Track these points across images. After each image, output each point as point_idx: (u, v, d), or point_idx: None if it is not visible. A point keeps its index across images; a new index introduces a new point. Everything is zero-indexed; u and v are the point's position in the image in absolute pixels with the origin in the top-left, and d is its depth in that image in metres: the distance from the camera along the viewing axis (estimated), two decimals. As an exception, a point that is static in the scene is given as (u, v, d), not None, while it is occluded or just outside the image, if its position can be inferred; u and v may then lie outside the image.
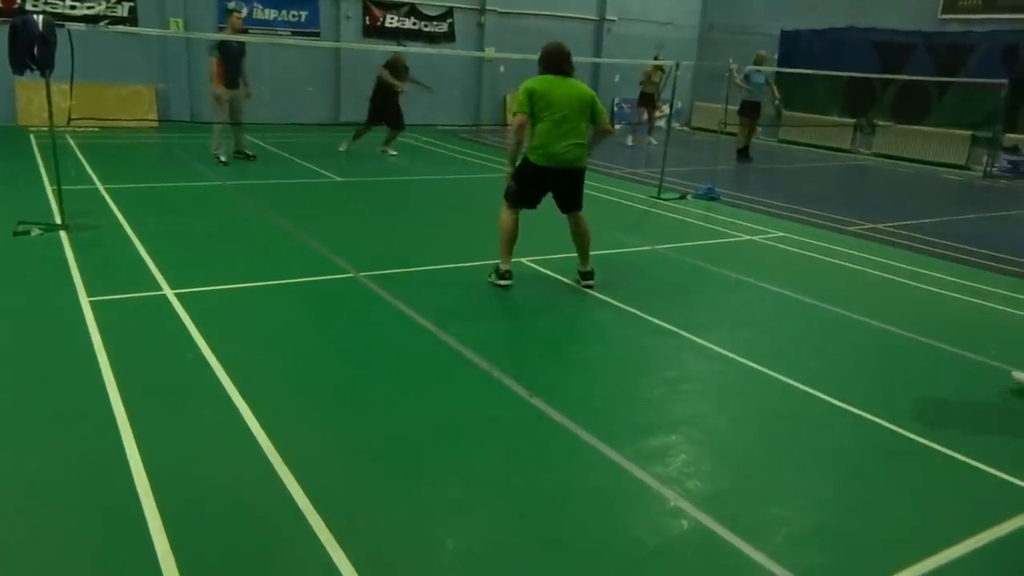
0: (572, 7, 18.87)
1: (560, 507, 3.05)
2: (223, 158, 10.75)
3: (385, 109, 12.32)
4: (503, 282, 5.79)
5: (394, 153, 12.73)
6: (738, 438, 3.80)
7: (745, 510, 3.10)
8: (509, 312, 5.50)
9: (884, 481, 3.44)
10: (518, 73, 17.52)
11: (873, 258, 7.49)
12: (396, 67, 12.35)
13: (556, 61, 5.73)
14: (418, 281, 5.94)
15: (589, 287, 5.86)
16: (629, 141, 16.03)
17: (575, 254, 5.97)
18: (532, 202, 5.87)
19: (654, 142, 16.01)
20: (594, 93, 5.81)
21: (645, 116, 16.41)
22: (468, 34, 17.78)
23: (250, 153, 11.33)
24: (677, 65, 10.47)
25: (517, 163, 5.75)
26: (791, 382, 4.39)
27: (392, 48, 14.01)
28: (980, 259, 7.71)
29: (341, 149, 12.64)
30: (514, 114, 5.67)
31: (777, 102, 15.01)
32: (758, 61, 14.04)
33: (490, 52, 16.19)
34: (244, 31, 11.60)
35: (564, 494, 3.15)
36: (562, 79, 5.67)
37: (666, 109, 15.64)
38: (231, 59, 10.33)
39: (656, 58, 15.95)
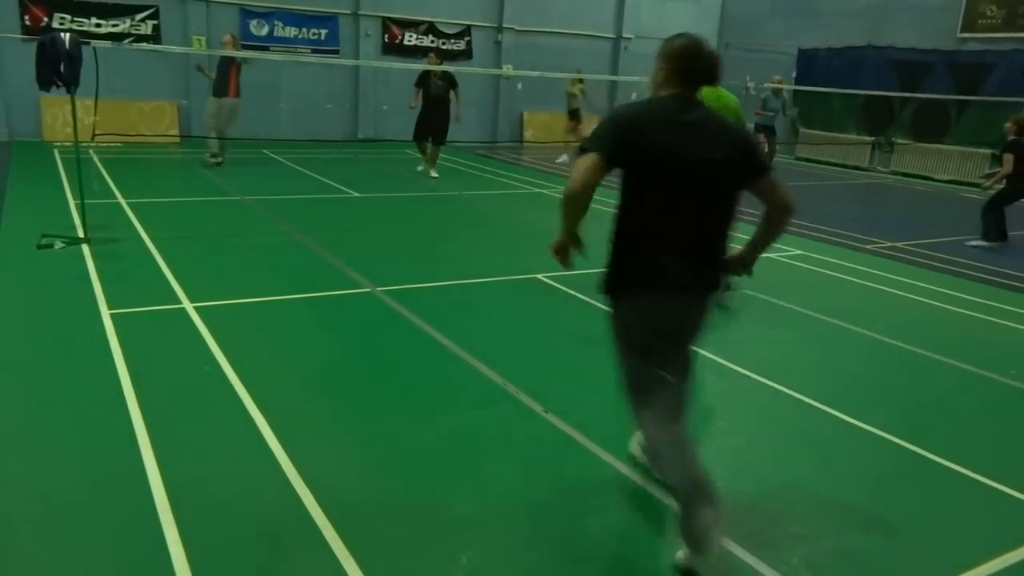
0: (589, 25, 19.00)
1: (575, 522, 3.04)
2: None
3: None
4: None
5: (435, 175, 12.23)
6: (755, 456, 3.77)
7: (763, 529, 3.07)
8: (524, 327, 5.51)
9: (904, 501, 3.40)
10: (535, 90, 17.67)
11: (891, 276, 7.44)
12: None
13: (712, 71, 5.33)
14: (434, 296, 5.96)
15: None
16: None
17: (589, 270, 5.96)
18: None
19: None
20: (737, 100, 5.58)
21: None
22: (485, 52, 17.93)
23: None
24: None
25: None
26: (809, 400, 4.36)
27: (415, 65, 13.78)
28: (1000, 278, 7.63)
29: (435, 175, 12.15)
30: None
31: (789, 114, 15.74)
32: (776, 89, 14.24)
33: (507, 70, 16.30)
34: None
35: (579, 509, 3.14)
36: (714, 90, 5.27)
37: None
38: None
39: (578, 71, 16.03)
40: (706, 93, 4.98)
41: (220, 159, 12.00)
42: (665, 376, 2.79)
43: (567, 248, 2.85)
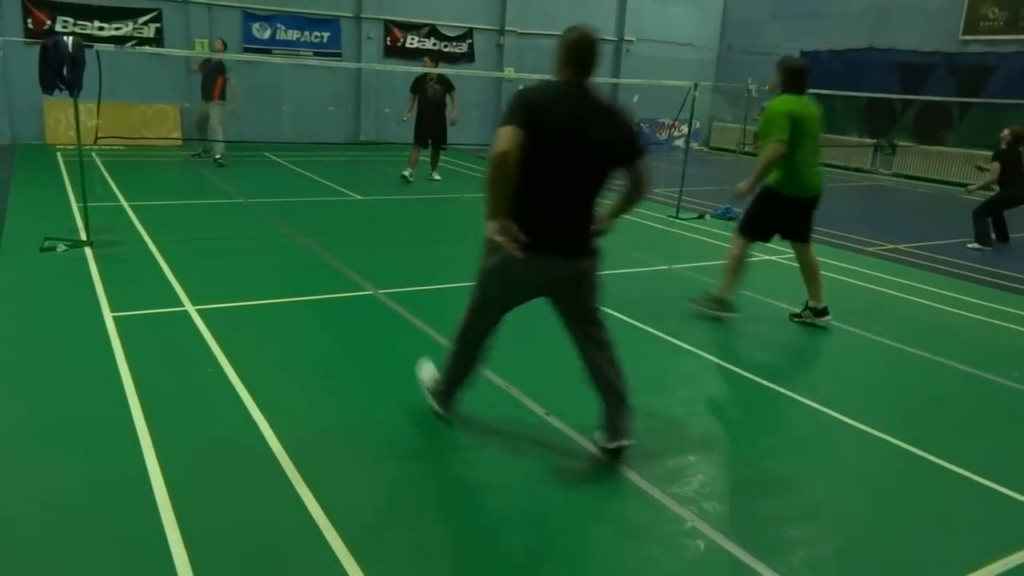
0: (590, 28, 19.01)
1: (576, 526, 3.05)
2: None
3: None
4: (730, 315, 5.64)
5: (437, 177, 12.13)
6: (755, 459, 3.77)
7: (763, 531, 3.07)
8: (525, 331, 5.50)
9: (905, 504, 3.40)
10: (537, 93, 17.69)
11: (893, 279, 7.44)
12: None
13: (803, 78, 5.28)
14: (435, 299, 5.97)
15: (818, 324, 5.66)
16: None
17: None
18: (768, 236, 5.62)
19: None
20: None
21: None
22: (488, 54, 17.96)
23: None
24: (696, 86, 10.51)
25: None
26: (810, 403, 4.36)
27: (417, 68, 13.64)
28: (1002, 280, 7.63)
29: (437, 178, 12.05)
30: (775, 141, 5.13)
31: None
32: (772, 87, 14.27)
33: (509, 72, 16.33)
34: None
35: (580, 513, 3.14)
36: (808, 100, 5.31)
37: (684, 129, 15.58)
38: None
39: None
40: (800, 103, 5.10)
41: (203, 154, 12.96)
42: (501, 316, 3.50)
43: (507, 226, 3.11)
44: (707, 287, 6.74)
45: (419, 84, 11.58)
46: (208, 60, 12.37)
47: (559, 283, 3.36)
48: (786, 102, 5.22)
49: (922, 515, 3.32)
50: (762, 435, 4.03)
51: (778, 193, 5.38)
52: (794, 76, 5.28)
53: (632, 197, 3.38)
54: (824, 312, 5.68)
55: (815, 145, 5.29)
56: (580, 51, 3.19)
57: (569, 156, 3.12)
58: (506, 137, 2.95)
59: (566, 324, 3.51)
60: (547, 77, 12.33)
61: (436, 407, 3.83)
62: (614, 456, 3.49)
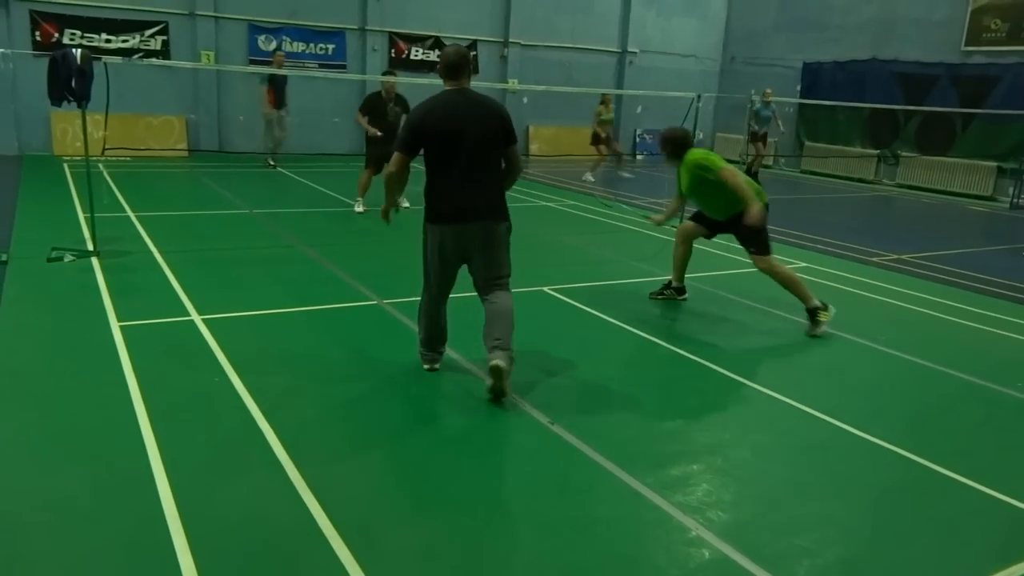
0: (594, 39, 19.11)
1: (581, 534, 3.05)
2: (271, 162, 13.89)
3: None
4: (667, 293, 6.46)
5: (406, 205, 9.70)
6: (761, 468, 3.77)
7: (767, 541, 3.08)
8: (529, 339, 5.52)
9: (910, 514, 3.40)
10: (541, 105, 17.77)
11: (898, 289, 7.44)
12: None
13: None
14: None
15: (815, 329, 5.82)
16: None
17: (593, 283, 5.97)
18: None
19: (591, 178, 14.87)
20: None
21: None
22: (491, 66, 18.04)
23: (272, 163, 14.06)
24: (699, 97, 10.55)
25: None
26: (815, 412, 4.36)
27: (422, 80, 13.26)
28: (1006, 291, 7.62)
29: (407, 204, 9.58)
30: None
31: (782, 132, 16.66)
32: (765, 98, 15.01)
33: (513, 84, 16.40)
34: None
35: (585, 521, 3.15)
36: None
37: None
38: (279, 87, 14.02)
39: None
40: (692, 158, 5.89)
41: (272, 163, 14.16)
42: (445, 275, 4.40)
43: (388, 212, 4.60)
44: (712, 296, 6.76)
45: (376, 105, 9.84)
46: (272, 77, 13.77)
47: (467, 246, 4.27)
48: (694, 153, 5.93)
49: (926, 525, 3.32)
50: (767, 444, 4.03)
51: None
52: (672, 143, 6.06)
53: (509, 176, 4.41)
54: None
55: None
56: (449, 64, 4.21)
57: (455, 146, 4.12)
58: (394, 161, 4.26)
59: (475, 284, 4.40)
60: (550, 89, 12.21)
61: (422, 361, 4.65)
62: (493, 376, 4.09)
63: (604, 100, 15.16)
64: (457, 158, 4.13)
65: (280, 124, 14.27)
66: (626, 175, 16.01)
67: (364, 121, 9.82)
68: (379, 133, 9.65)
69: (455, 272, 4.41)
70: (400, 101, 9.96)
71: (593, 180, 14.57)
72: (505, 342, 4.18)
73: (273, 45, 15.66)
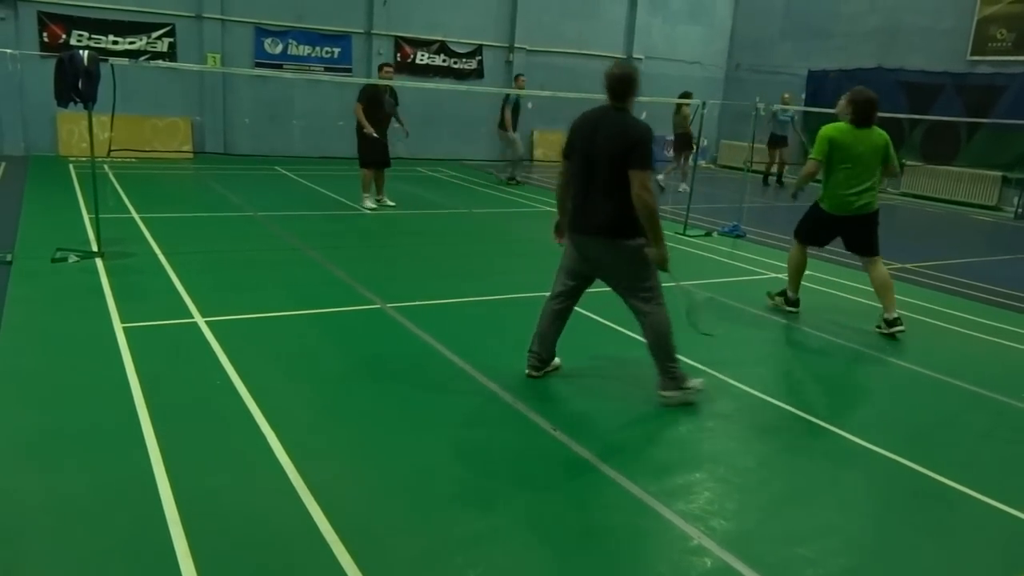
0: (599, 45, 19.12)
1: (582, 542, 3.04)
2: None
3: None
4: (790, 308, 6.46)
5: (392, 203, 10.95)
6: (763, 477, 3.76)
7: (770, 550, 3.07)
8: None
9: (913, 524, 3.39)
10: (546, 110, 17.78)
11: (901, 298, 7.40)
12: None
13: (867, 112, 5.84)
14: (443, 313, 5.99)
15: (892, 335, 5.98)
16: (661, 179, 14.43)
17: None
18: (821, 242, 6.42)
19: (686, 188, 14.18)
20: (888, 138, 5.96)
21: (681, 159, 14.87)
22: (497, 71, 18.06)
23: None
24: (704, 104, 10.56)
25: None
26: (816, 421, 4.35)
27: (428, 84, 13.36)
28: (1011, 301, 7.60)
29: (392, 203, 10.92)
30: (811, 158, 5.97)
31: (803, 140, 16.14)
32: (784, 102, 15.23)
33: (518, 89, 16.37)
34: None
35: (586, 528, 3.14)
36: (866, 131, 5.86)
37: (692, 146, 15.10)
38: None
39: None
40: (848, 131, 5.77)
41: (513, 178, 14.46)
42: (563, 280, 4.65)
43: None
44: (715, 304, 6.74)
45: (375, 94, 10.16)
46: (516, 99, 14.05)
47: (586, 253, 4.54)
48: (833, 128, 5.87)
49: (929, 535, 3.30)
50: (769, 453, 4.02)
51: (817, 206, 6.19)
52: (857, 108, 5.85)
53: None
54: (896, 322, 6.03)
55: (858, 172, 5.84)
56: (605, 83, 4.44)
57: (582, 158, 4.37)
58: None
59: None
60: (556, 94, 12.20)
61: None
62: None
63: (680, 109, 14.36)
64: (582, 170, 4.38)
65: (516, 142, 14.51)
66: (683, 187, 14.40)
67: (363, 115, 10.18)
68: (375, 134, 10.16)
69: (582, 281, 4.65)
70: (393, 93, 10.61)
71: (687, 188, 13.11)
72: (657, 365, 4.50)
73: (279, 48, 15.70)
